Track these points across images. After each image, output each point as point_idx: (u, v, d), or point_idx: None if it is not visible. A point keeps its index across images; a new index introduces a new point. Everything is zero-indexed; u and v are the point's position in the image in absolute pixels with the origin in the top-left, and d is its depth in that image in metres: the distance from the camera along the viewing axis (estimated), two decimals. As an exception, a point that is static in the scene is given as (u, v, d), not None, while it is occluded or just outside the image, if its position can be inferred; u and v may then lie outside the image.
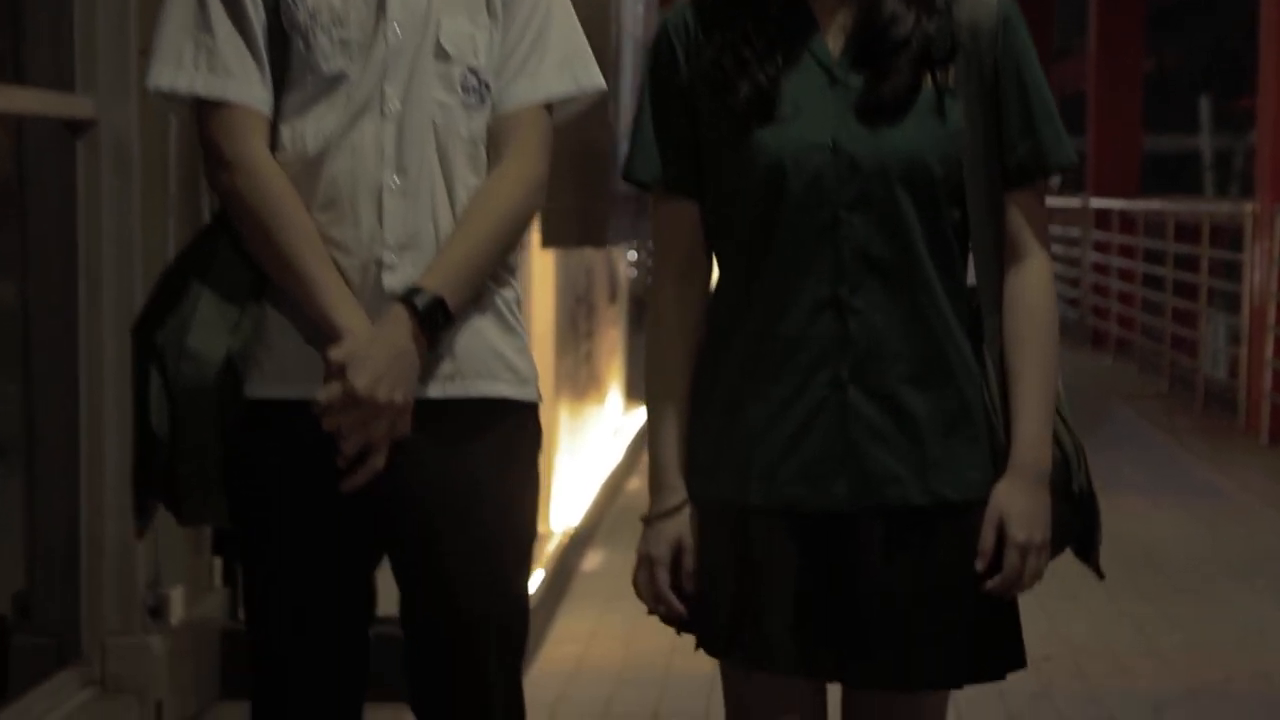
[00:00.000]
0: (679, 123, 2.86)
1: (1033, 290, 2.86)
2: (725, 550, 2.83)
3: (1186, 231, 14.62)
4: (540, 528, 7.44)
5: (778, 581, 2.80)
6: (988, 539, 2.81)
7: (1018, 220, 2.86)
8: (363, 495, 2.94)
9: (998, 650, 2.88)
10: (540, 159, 3.02)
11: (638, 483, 9.66)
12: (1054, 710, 5.66)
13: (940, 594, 2.81)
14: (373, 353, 2.87)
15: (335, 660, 3.03)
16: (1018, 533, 2.80)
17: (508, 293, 3.05)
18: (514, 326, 3.04)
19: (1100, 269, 18.29)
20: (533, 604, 6.23)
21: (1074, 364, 15.59)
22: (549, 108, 3.06)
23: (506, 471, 2.99)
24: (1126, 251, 17.06)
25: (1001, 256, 2.86)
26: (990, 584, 2.81)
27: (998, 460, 2.83)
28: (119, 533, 4.81)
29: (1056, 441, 2.88)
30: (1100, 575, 2.97)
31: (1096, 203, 18.77)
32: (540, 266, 7.62)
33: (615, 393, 10.72)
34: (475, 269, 2.93)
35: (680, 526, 2.85)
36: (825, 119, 2.79)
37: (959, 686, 2.88)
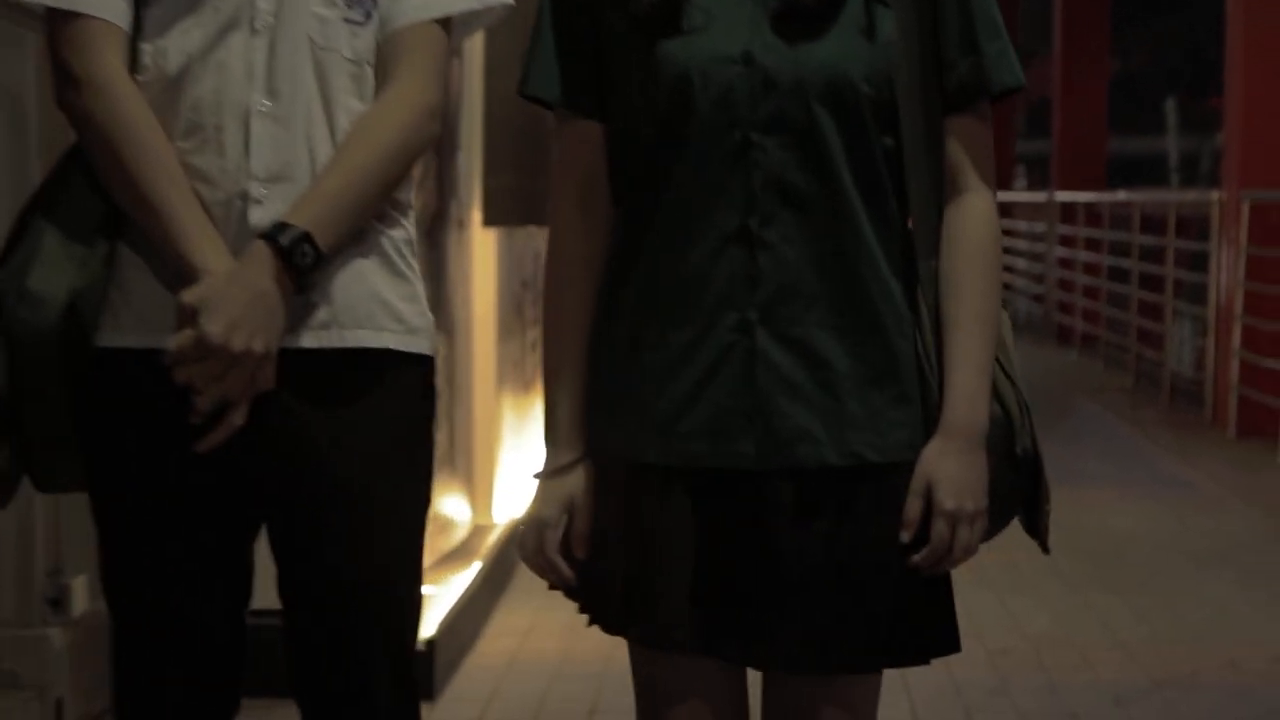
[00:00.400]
0: (581, 35, 2.58)
1: (973, 227, 2.58)
2: (619, 513, 2.57)
3: (1152, 225, 14.45)
4: (481, 519, 7.31)
5: (675, 549, 2.53)
6: (913, 507, 2.53)
7: (957, 150, 2.58)
8: (227, 457, 2.65)
9: (925, 632, 2.59)
10: (434, 82, 2.72)
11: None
12: (1011, 705, 5.44)
13: (858, 567, 2.53)
14: (229, 295, 2.57)
15: (204, 647, 2.73)
16: (946, 500, 2.52)
17: (397, 233, 2.75)
18: (403, 271, 2.75)
19: (1065, 264, 18.13)
20: (468, 596, 6.05)
21: (1039, 360, 15.44)
22: (446, 25, 2.77)
23: (389, 430, 2.71)
24: (1092, 246, 16.89)
25: (940, 191, 2.58)
26: (916, 558, 2.54)
27: (930, 418, 2.56)
28: (15, 516, 4.52)
29: (997, 397, 2.60)
30: (1045, 549, 2.68)
31: (1062, 196, 18.60)
32: (482, 247, 7.36)
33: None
34: (354, 204, 2.64)
35: (573, 485, 2.60)
36: (739, 29, 2.50)
37: (876, 670, 2.60)
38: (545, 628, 6.25)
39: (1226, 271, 11.80)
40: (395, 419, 2.72)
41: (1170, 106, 34.11)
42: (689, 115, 2.50)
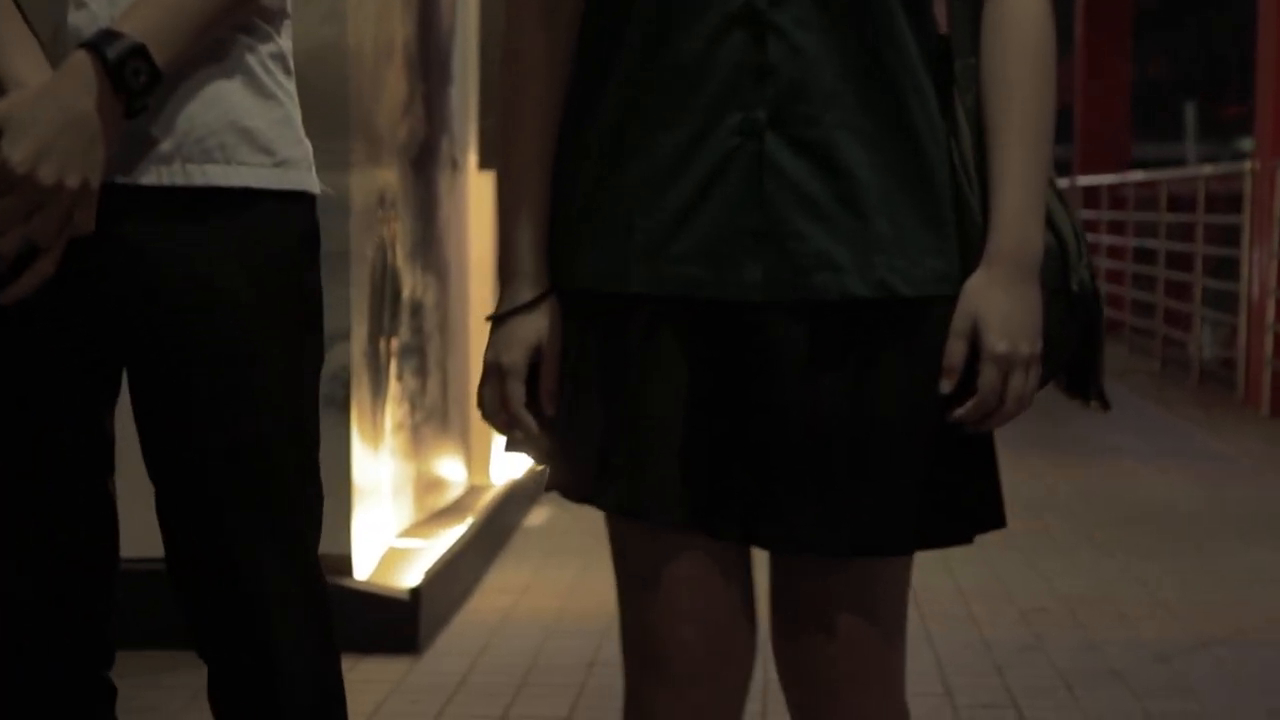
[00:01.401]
0: None
1: (1023, 13, 2.16)
2: (594, 356, 2.18)
3: (1179, 205, 14.09)
4: (477, 479, 6.92)
5: (662, 399, 2.14)
6: (956, 350, 2.14)
7: None
8: (62, 309, 2.25)
9: (964, 503, 2.19)
10: None
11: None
12: (1047, 661, 5.05)
13: (884, 424, 2.13)
14: (38, 116, 2.13)
15: (66, 520, 2.31)
16: (997, 341, 2.13)
17: (267, 47, 2.31)
18: (272, 91, 2.30)
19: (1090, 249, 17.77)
20: (458, 550, 5.66)
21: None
22: None
23: (254, 279, 2.29)
24: (1116, 229, 16.53)
25: None
26: (959, 412, 2.14)
27: (970, 248, 2.15)
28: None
29: (1050, 223, 2.19)
30: (1105, 405, 2.27)
31: (1084, 180, 18.27)
32: (478, 191, 6.97)
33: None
34: (202, 10, 2.21)
35: (538, 326, 2.20)
36: None
37: (906, 552, 2.20)
38: (542, 586, 5.93)
39: (1260, 245, 11.39)
40: (259, 267, 2.29)
41: (1189, 112, 34.02)
42: None
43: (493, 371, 2.21)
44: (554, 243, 2.20)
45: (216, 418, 2.28)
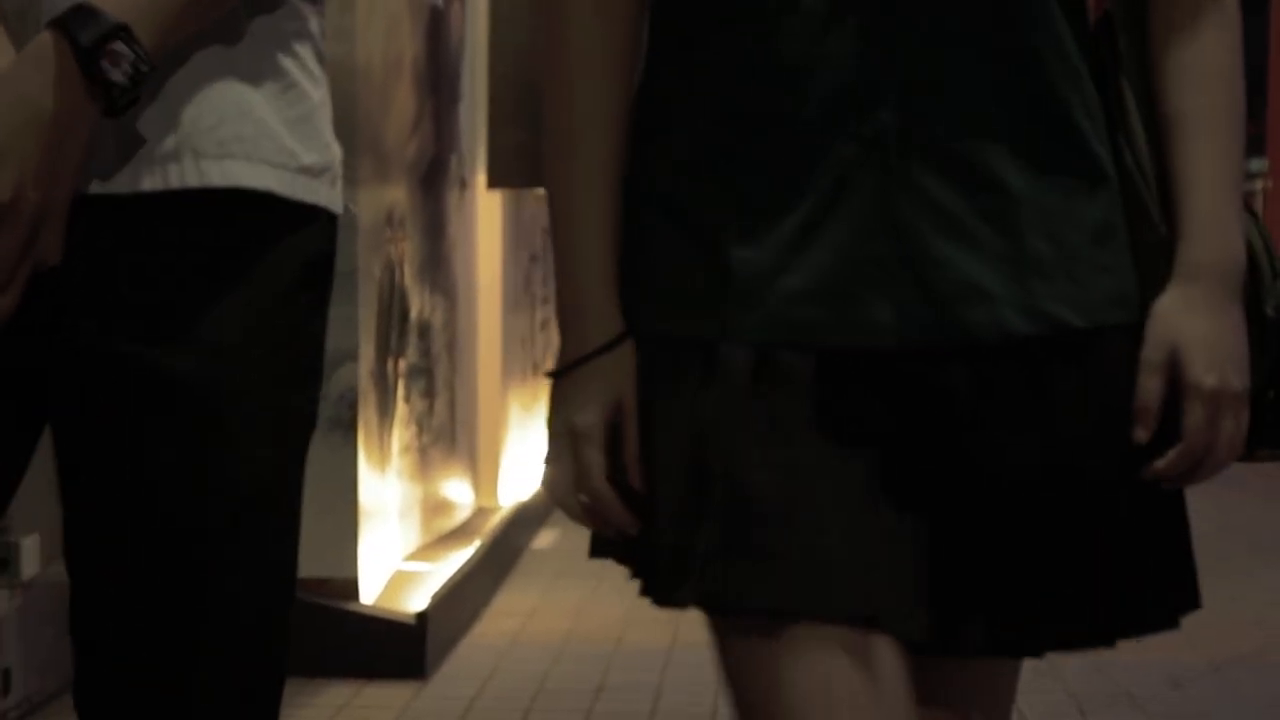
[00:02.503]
0: None
1: None
2: (675, 417, 1.71)
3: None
4: (484, 501, 6.90)
5: (811, 469, 1.68)
6: (1151, 389, 1.72)
7: None
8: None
9: (1164, 580, 1.79)
10: None
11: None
12: (1060, 685, 5.02)
13: (1067, 487, 1.72)
14: None
15: None
16: (1204, 375, 1.71)
17: (289, 25, 1.84)
18: (296, 80, 1.83)
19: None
20: (464, 574, 5.63)
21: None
22: None
23: (249, 314, 1.81)
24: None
25: None
26: (1161, 464, 1.72)
27: (1150, 263, 1.75)
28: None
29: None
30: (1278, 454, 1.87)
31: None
32: (487, 212, 6.95)
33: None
34: None
35: (617, 376, 1.73)
36: None
37: (1111, 644, 1.80)
38: (549, 609, 5.93)
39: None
40: (259, 300, 1.81)
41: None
42: None
43: (563, 439, 1.73)
44: (624, 274, 1.76)
45: (150, 496, 1.78)
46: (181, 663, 1.79)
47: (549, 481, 1.76)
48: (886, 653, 1.68)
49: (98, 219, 1.77)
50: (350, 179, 4.96)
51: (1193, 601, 1.82)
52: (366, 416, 5.07)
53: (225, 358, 1.78)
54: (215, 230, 1.79)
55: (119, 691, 1.81)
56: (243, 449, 1.79)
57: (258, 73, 1.81)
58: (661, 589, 1.71)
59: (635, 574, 1.75)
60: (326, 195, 1.85)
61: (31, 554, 4.41)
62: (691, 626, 6.07)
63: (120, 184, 1.77)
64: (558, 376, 1.76)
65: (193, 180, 1.77)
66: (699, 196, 1.72)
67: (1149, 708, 4.77)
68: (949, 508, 1.70)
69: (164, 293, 1.78)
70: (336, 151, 1.87)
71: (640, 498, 1.72)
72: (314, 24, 1.86)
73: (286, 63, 1.83)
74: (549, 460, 1.76)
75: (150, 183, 1.77)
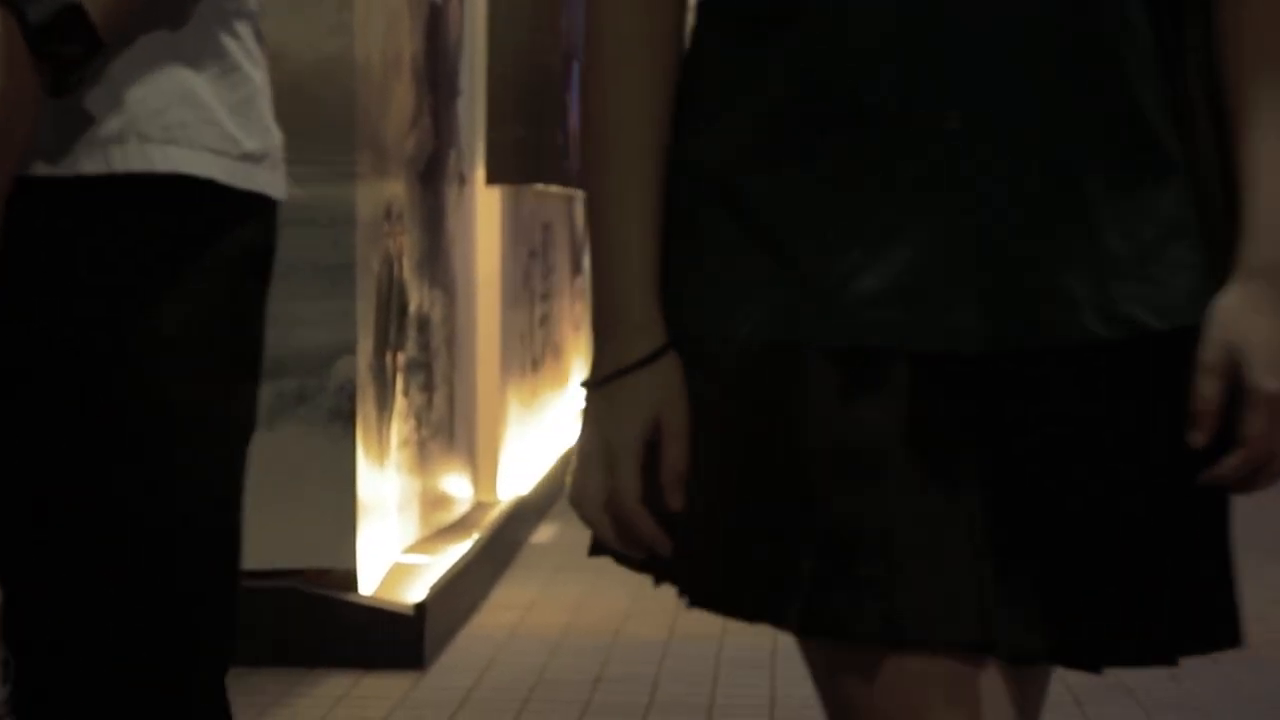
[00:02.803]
0: None
1: None
2: (732, 425, 1.64)
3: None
4: (483, 496, 6.90)
5: (907, 477, 1.61)
6: (1210, 390, 1.63)
7: None
8: None
9: (1209, 603, 1.73)
10: None
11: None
12: (1057, 677, 4.95)
13: (1135, 495, 1.66)
14: None
15: None
16: (1265, 378, 1.63)
17: (229, 4, 1.81)
18: (238, 63, 1.80)
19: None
20: (462, 566, 5.62)
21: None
22: None
23: (191, 306, 1.76)
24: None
25: None
26: (1220, 470, 1.64)
27: (1216, 257, 1.68)
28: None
29: None
30: None
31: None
32: (486, 208, 6.96)
33: (581, 376, 10.04)
34: None
35: (659, 391, 1.64)
36: None
37: (1174, 662, 1.72)
38: (548, 602, 5.91)
39: None
40: (199, 291, 1.76)
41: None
42: None
43: (597, 455, 1.65)
44: (673, 277, 1.67)
45: (82, 491, 1.73)
46: (117, 657, 1.74)
47: (577, 497, 1.67)
48: (997, 677, 1.63)
49: (56, 202, 1.73)
50: (349, 173, 4.98)
51: (1234, 635, 1.75)
52: (365, 409, 5.08)
53: (176, 347, 1.74)
54: (172, 216, 1.75)
55: (58, 691, 1.76)
56: (194, 442, 1.75)
57: (200, 54, 1.77)
58: (760, 608, 1.63)
59: (666, 580, 1.69)
60: (267, 181, 1.81)
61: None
62: (689, 620, 6.11)
63: (63, 166, 1.72)
64: (592, 388, 1.67)
65: (137, 164, 1.73)
66: (765, 192, 1.63)
67: (1145, 700, 4.76)
68: (1017, 516, 1.63)
69: (123, 277, 1.73)
70: (277, 135, 1.83)
71: (681, 515, 1.64)
72: (253, 1, 1.83)
73: (229, 43, 1.80)
74: (578, 474, 1.67)
75: (93, 165, 1.73)
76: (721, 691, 4.72)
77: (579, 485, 1.66)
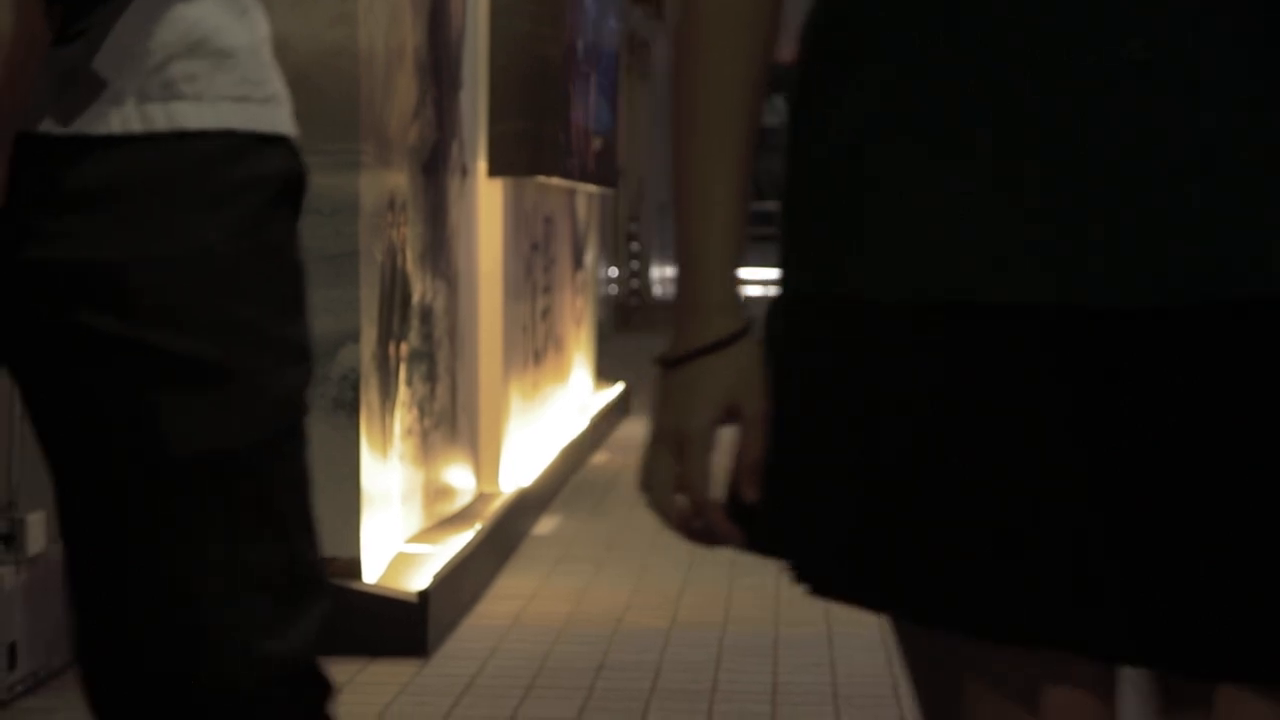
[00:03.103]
0: None
1: None
2: (856, 392, 1.52)
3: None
4: (486, 487, 6.91)
5: (1013, 457, 1.49)
6: None
7: None
8: None
9: None
10: None
11: (603, 457, 9.07)
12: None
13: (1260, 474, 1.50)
14: None
15: None
16: None
17: None
18: (248, 5, 1.76)
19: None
20: (465, 555, 5.63)
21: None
22: None
23: (229, 234, 1.71)
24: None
25: None
26: None
27: None
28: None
29: None
30: None
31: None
32: (488, 200, 6.97)
33: (583, 369, 10.05)
34: None
35: (735, 375, 1.56)
36: None
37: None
38: (550, 592, 5.91)
39: None
40: (230, 238, 1.71)
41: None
42: None
43: (668, 439, 1.56)
44: (794, 242, 1.58)
45: (145, 422, 1.70)
46: (179, 616, 1.75)
47: (645, 481, 1.58)
48: (1095, 675, 1.51)
49: (50, 158, 1.67)
50: (353, 162, 4.99)
51: None
52: (369, 399, 5.10)
53: (222, 278, 1.71)
54: (187, 162, 1.71)
55: (119, 649, 1.77)
56: (246, 380, 1.72)
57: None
58: (849, 587, 1.53)
59: (797, 569, 1.56)
60: (288, 121, 1.78)
61: (37, 530, 4.43)
62: (691, 609, 6.13)
63: (55, 122, 1.66)
64: (667, 367, 1.58)
65: (136, 126, 1.68)
66: (881, 146, 1.51)
67: (1142, 687, 4.77)
68: (1120, 496, 1.49)
69: (157, 218, 1.69)
70: (281, 85, 1.80)
71: (754, 505, 1.55)
72: None
73: None
74: (647, 457, 1.58)
75: (97, 127, 1.67)
76: (723, 679, 4.73)
77: (647, 469, 1.58)
